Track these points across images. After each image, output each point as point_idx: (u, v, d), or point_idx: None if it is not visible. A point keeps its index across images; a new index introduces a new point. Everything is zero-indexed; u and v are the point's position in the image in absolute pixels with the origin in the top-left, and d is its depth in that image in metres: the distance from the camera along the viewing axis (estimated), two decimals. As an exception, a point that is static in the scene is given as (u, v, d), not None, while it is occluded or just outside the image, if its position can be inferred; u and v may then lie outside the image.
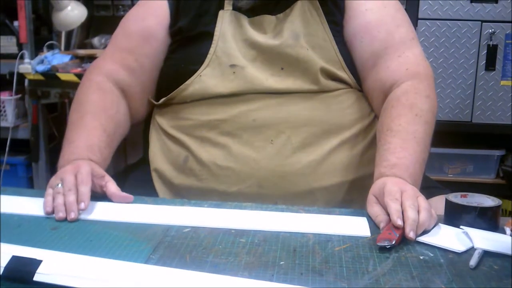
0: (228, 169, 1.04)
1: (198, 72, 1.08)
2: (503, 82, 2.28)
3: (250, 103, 1.06)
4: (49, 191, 0.93)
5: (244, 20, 1.10)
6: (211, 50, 1.08)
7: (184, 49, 1.12)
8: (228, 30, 1.09)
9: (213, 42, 1.09)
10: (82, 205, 0.89)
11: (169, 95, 1.11)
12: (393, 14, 1.12)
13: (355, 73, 1.10)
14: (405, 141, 0.97)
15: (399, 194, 0.85)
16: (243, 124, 1.05)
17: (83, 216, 0.89)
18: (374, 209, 0.89)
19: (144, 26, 1.15)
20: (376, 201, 0.90)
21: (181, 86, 1.09)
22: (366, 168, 1.06)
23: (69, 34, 2.69)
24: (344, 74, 1.08)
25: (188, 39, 1.12)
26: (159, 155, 1.12)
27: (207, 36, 1.09)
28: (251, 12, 1.10)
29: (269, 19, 1.10)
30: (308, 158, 1.04)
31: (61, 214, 0.88)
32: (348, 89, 1.09)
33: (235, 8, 1.11)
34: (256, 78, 1.06)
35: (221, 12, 1.11)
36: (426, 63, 1.11)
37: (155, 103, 1.15)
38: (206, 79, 1.07)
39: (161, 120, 1.13)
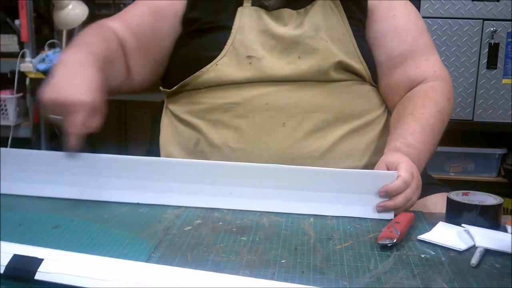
0: (240, 150, 1.05)
1: (215, 61, 1.09)
2: (504, 81, 2.28)
3: (264, 88, 1.07)
4: None
5: (264, 14, 1.12)
6: (229, 41, 1.10)
7: (202, 36, 1.13)
8: (246, 23, 1.11)
9: (231, 34, 1.10)
10: None
11: (183, 81, 1.11)
12: (415, 21, 1.19)
13: (371, 68, 1.13)
14: (423, 129, 1.03)
15: (410, 180, 0.90)
16: (256, 107, 1.06)
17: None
18: None
19: (155, 2, 1.16)
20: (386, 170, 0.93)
21: (196, 73, 1.09)
22: (376, 157, 1.07)
23: (71, 32, 2.69)
24: (361, 66, 1.11)
25: (206, 30, 1.13)
26: (170, 140, 1.12)
27: (225, 29, 1.11)
28: (271, 8, 1.12)
29: (289, 13, 1.12)
30: (317, 143, 1.06)
31: None
32: (361, 81, 1.12)
33: (254, 5, 1.12)
34: (272, 68, 1.08)
35: (240, 9, 1.12)
36: (446, 68, 1.18)
37: (168, 90, 1.15)
38: (223, 68, 1.09)
39: (174, 107, 1.14)
